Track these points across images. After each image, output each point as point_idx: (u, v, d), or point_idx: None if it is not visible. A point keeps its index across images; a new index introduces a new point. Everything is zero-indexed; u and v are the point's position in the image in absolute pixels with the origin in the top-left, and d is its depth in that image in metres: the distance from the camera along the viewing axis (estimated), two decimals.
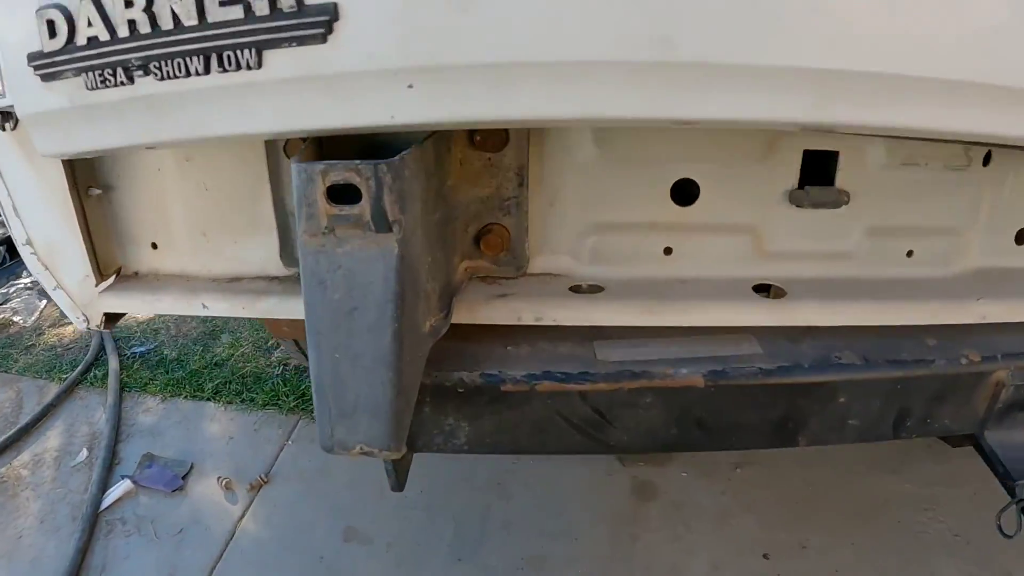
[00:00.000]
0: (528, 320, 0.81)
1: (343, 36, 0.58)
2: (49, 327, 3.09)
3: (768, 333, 0.84)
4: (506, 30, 0.57)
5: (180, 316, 2.98)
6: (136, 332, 2.89)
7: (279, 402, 2.29)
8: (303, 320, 1.14)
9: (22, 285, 3.32)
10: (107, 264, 0.96)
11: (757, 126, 0.62)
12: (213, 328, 2.82)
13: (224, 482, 1.97)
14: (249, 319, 2.52)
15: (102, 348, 2.74)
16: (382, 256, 0.63)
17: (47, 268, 1.01)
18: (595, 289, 0.84)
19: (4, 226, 3.12)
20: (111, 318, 1.01)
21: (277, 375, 2.44)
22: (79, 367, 2.59)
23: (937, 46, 0.55)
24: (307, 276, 0.65)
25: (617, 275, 0.87)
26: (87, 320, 1.02)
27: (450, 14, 0.57)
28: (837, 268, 0.86)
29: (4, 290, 3.30)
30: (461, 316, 0.81)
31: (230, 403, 2.33)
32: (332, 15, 0.58)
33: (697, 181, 0.83)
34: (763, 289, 0.84)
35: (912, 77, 0.56)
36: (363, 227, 0.62)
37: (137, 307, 0.94)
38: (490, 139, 0.78)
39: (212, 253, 0.94)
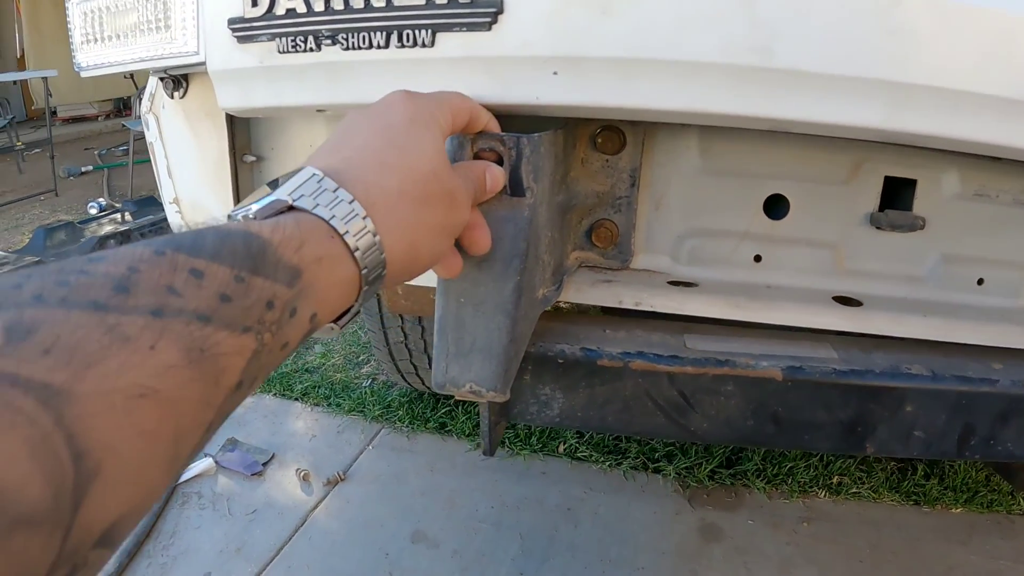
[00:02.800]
0: (628, 304, 0.89)
1: (505, 27, 0.69)
2: None
3: (842, 343, 0.91)
4: (636, 31, 0.68)
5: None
6: None
7: (364, 410, 2.39)
8: (422, 294, 1.24)
9: None
10: None
11: (839, 130, 0.71)
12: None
13: (302, 474, 2.06)
14: (340, 334, 2.64)
15: None
16: (514, 217, 0.72)
17: (188, 227, 1.13)
18: (690, 285, 0.93)
19: (116, 223, 3.35)
20: None
21: (365, 386, 2.55)
22: None
23: (997, 66, 0.64)
24: None
25: (710, 276, 0.95)
26: None
27: (592, 15, 0.68)
28: (911, 289, 0.92)
29: None
30: (569, 294, 0.90)
31: (316, 405, 2.44)
32: (498, 8, 0.69)
33: (788, 197, 0.92)
34: (841, 301, 0.91)
35: (974, 93, 0.64)
36: (501, 190, 0.72)
37: None
38: (609, 142, 0.88)
39: None
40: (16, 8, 10.36)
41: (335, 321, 0.50)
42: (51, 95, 6.67)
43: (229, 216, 0.46)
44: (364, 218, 0.46)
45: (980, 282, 0.92)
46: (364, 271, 0.47)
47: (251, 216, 0.44)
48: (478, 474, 2.11)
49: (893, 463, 2.12)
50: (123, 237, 4.24)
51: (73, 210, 5.55)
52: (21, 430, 0.27)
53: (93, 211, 5.08)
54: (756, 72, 0.67)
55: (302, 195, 0.45)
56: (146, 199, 4.94)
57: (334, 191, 0.46)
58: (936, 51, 0.64)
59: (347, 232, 0.45)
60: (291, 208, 0.45)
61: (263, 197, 0.46)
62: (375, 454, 2.20)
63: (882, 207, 0.91)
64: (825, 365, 0.85)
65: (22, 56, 10.58)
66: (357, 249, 0.46)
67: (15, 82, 10.07)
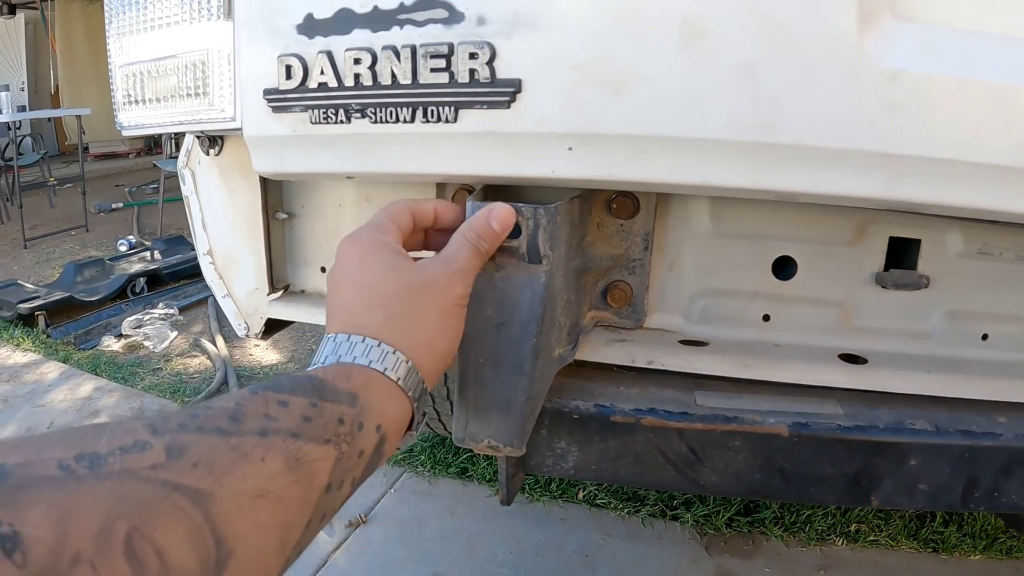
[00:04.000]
0: (641, 362, 0.93)
1: (523, 104, 0.74)
2: (177, 356, 3.33)
3: (848, 399, 0.94)
4: (646, 110, 0.73)
5: (302, 365, 3.20)
6: (259, 373, 3.09)
7: None
8: None
9: (156, 315, 3.61)
10: (279, 279, 1.13)
11: (840, 200, 0.75)
12: None
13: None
14: None
15: (225, 382, 2.95)
16: (531, 283, 0.77)
17: (221, 277, 1.19)
18: (701, 344, 0.96)
19: (145, 262, 3.44)
20: (272, 327, 1.17)
21: None
22: (202, 394, 2.79)
23: (990, 135, 0.67)
24: None
25: (721, 335, 0.98)
26: (247, 328, 1.19)
27: (605, 94, 0.73)
28: (916, 346, 0.95)
29: (140, 316, 3.58)
30: (584, 353, 0.94)
31: None
32: (517, 88, 0.74)
33: (796, 259, 0.96)
34: (848, 359, 0.94)
35: (969, 162, 0.68)
36: (519, 257, 0.77)
37: (302, 317, 1.11)
38: (623, 208, 0.93)
39: None
40: (51, 46, 10.68)
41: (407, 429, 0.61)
42: (84, 132, 6.85)
43: None
44: (379, 345, 0.58)
45: (984, 337, 0.95)
46: (398, 380, 0.58)
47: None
48: (497, 519, 2.13)
49: (911, 512, 2.12)
50: (152, 275, 4.33)
51: (103, 246, 5.67)
52: (183, 523, 0.38)
53: (123, 248, 5.19)
54: (759, 147, 0.72)
55: (339, 356, 0.57)
56: (175, 238, 5.05)
57: (361, 340, 0.58)
58: (931, 123, 0.68)
59: (370, 361, 0.57)
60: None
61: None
62: (396, 497, 2.23)
63: (887, 266, 0.94)
64: (830, 421, 0.88)
65: (56, 92, 10.89)
66: (386, 369, 0.57)
67: (49, 118, 10.34)
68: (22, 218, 5.99)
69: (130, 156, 11.49)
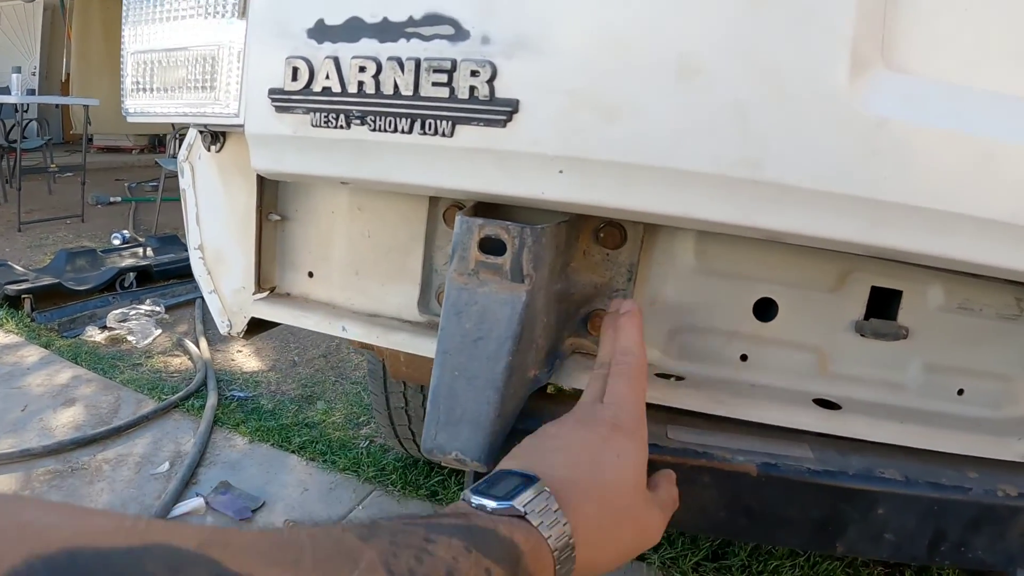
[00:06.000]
0: None
1: (518, 124, 0.76)
2: (159, 353, 3.32)
3: (820, 443, 0.94)
4: (637, 140, 0.74)
5: (282, 375, 3.17)
6: (239, 378, 3.08)
7: (359, 470, 2.41)
8: (423, 364, 1.28)
9: (143, 311, 3.60)
10: (266, 280, 1.14)
11: (822, 243, 0.76)
12: (310, 394, 3.00)
13: (289, 525, 2.07)
14: (342, 394, 2.66)
15: (204, 384, 2.93)
16: (511, 301, 0.77)
17: (209, 273, 1.19)
18: (678, 378, 0.97)
19: (137, 257, 3.45)
20: (255, 326, 1.17)
21: (362, 447, 2.57)
22: (180, 393, 2.78)
23: (972, 188, 0.69)
24: (448, 306, 0.80)
25: (697, 371, 0.99)
26: (231, 326, 1.19)
27: (598, 120, 0.74)
28: (891, 396, 0.96)
29: (126, 310, 3.57)
30: (561, 378, 0.94)
31: (312, 460, 2.46)
32: (514, 108, 0.75)
33: (777, 301, 0.96)
34: (822, 403, 0.95)
35: (950, 212, 0.69)
36: (502, 275, 0.77)
37: (285, 319, 1.11)
38: (611, 237, 0.94)
39: (359, 290, 1.11)
40: (67, 34, 10.75)
41: None
42: (90, 123, 6.87)
43: (472, 493, 0.61)
44: (569, 541, 0.60)
45: (960, 392, 0.96)
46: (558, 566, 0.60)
47: (489, 511, 0.59)
48: None
49: (881, 567, 2.11)
50: (142, 271, 4.32)
51: (96, 238, 5.67)
52: None
53: (116, 241, 5.19)
54: (745, 184, 0.72)
55: (533, 510, 0.59)
56: (169, 237, 5.05)
57: (555, 511, 0.60)
58: (915, 172, 0.69)
59: (557, 554, 0.59)
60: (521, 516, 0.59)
61: (499, 494, 0.60)
62: (364, 514, 2.21)
63: (868, 315, 0.95)
64: (800, 464, 0.89)
65: (66, 81, 10.93)
66: (559, 565, 0.59)
67: (57, 105, 10.37)
68: (19, 201, 5.99)
69: (133, 152, 11.53)
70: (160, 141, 11.82)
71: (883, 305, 0.95)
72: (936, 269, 0.82)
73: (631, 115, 0.73)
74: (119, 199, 7.14)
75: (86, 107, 6.68)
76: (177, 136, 6.78)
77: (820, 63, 0.69)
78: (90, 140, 7.07)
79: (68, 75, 10.92)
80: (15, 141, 6.82)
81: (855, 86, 0.69)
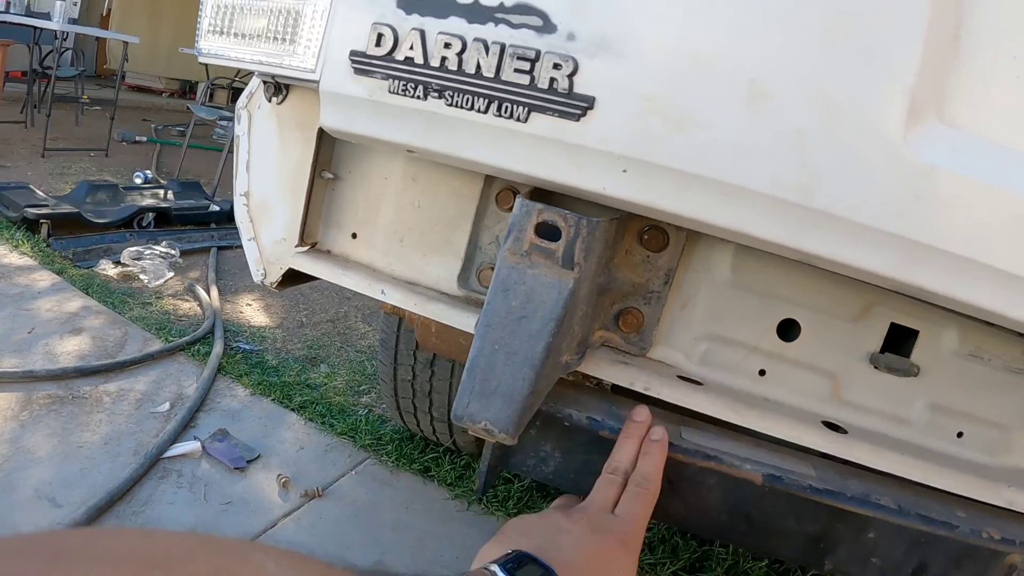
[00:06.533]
0: (639, 388, 0.98)
1: (592, 121, 0.80)
2: (169, 296, 3.36)
3: (823, 463, 0.99)
4: (701, 152, 0.78)
5: (288, 333, 3.21)
6: (246, 331, 3.12)
7: (355, 436, 2.45)
8: (453, 336, 1.32)
9: (158, 251, 3.64)
10: (310, 235, 1.18)
11: (856, 272, 0.80)
12: (315, 356, 3.04)
13: (282, 480, 2.12)
14: (346, 360, 2.69)
15: (211, 332, 2.97)
16: (559, 286, 0.82)
17: (252, 220, 1.23)
18: (696, 383, 1.01)
19: (157, 199, 3.49)
20: (288, 279, 1.21)
21: (361, 414, 2.61)
22: (188, 337, 2.81)
23: (1003, 241, 0.73)
24: (497, 282, 0.84)
25: (716, 379, 1.04)
26: (265, 275, 1.23)
27: (667, 128, 0.79)
28: (895, 428, 1.00)
29: (141, 249, 3.61)
30: (588, 367, 0.99)
31: (311, 420, 2.51)
32: (590, 104, 0.80)
33: (801, 323, 1.01)
34: (830, 426, 0.99)
35: (978, 262, 0.74)
36: (553, 260, 0.82)
37: (324, 275, 1.15)
38: (654, 240, 0.99)
39: (400, 258, 1.15)
40: None
41: None
42: (127, 60, 6.90)
43: (500, 570, 0.70)
44: None
45: (960, 435, 1.00)
46: None
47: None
48: (451, 523, 2.16)
49: None
50: (161, 213, 4.36)
51: (118, 174, 5.70)
52: None
53: (138, 180, 5.23)
54: (795, 208, 0.77)
55: None
56: (192, 183, 5.07)
57: None
58: (954, 219, 0.74)
59: None
60: None
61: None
62: (357, 480, 2.25)
63: (883, 349, 1.00)
64: (802, 480, 0.93)
65: (106, 15, 10.95)
66: None
67: (96, 39, 10.39)
68: (47, 127, 6.03)
69: (163, 95, 11.54)
70: (191, 88, 11.86)
71: (899, 341, 1.00)
72: (955, 314, 0.86)
73: (699, 128, 0.77)
74: (144, 139, 7.18)
75: (125, 43, 6.71)
76: (211, 86, 6.82)
77: (880, 106, 0.74)
78: (123, 77, 7.09)
79: (109, 11, 10.94)
80: (50, 68, 6.85)
81: (909, 132, 0.73)
